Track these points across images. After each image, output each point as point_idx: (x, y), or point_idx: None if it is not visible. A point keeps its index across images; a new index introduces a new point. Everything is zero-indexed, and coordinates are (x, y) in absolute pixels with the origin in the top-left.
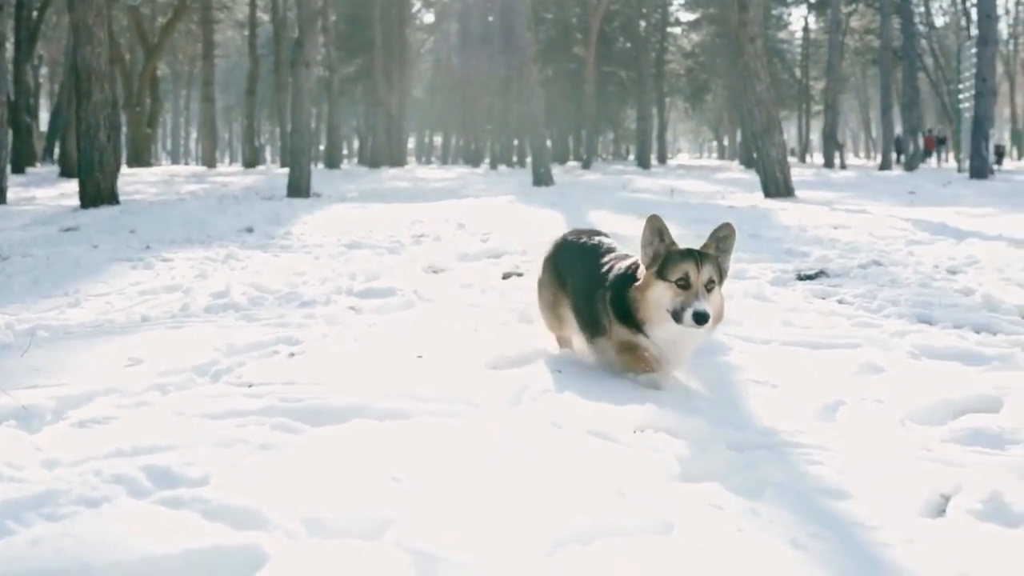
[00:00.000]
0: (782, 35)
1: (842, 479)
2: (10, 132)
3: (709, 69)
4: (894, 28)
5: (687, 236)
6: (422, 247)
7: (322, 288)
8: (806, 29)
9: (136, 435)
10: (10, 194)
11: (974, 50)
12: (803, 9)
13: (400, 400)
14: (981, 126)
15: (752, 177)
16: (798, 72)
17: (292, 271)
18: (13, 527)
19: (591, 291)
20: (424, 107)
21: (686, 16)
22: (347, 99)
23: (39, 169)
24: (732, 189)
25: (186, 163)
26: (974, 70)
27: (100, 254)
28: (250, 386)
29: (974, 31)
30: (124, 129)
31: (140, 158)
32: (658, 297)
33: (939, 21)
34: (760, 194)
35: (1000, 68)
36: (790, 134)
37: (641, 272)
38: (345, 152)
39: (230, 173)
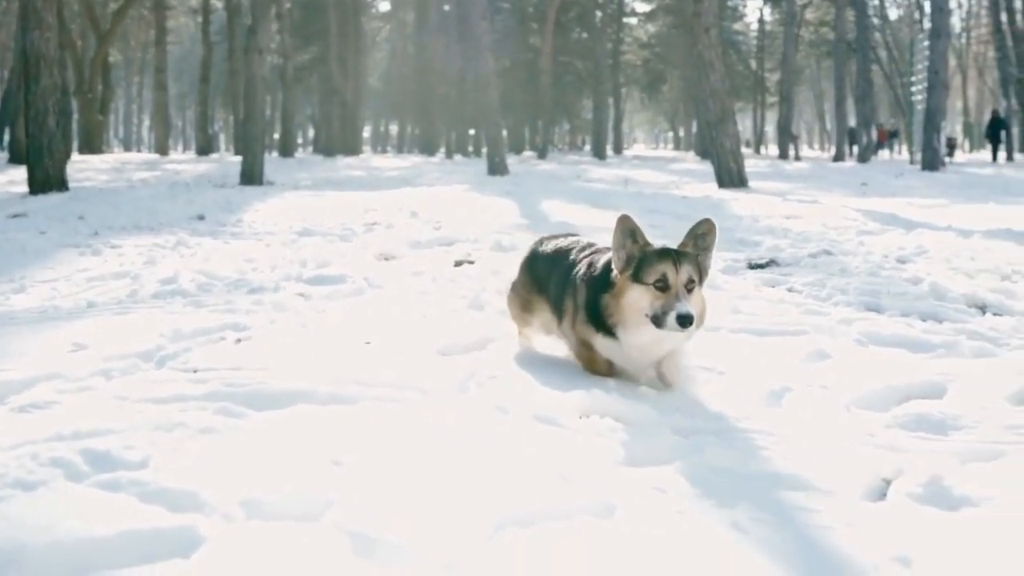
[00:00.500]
0: (737, 26)
1: (786, 464)
2: None
3: (665, 60)
4: (848, 20)
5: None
6: (374, 235)
7: (272, 275)
8: (761, 21)
9: (77, 420)
10: None
11: (927, 43)
12: (758, 1)
13: (346, 385)
14: (933, 118)
15: (707, 168)
16: (753, 64)
17: (242, 258)
18: None
19: (564, 287)
20: (380, 96)
21: (642, 7)
22: (302, 87)
23: None
24: (686, 179)
25: (139, 150)
26: (927, 63)
27: (47, 240)
28: (195, 371)
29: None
30: (75, 116)
31: (91, 145)
32: (635, 302)
33: (893, 14)
34: (714, 184)
35: (952, 61)
36: (745, 125)
37: (615, 277)
38: (300, 141)
39: (183, 161)
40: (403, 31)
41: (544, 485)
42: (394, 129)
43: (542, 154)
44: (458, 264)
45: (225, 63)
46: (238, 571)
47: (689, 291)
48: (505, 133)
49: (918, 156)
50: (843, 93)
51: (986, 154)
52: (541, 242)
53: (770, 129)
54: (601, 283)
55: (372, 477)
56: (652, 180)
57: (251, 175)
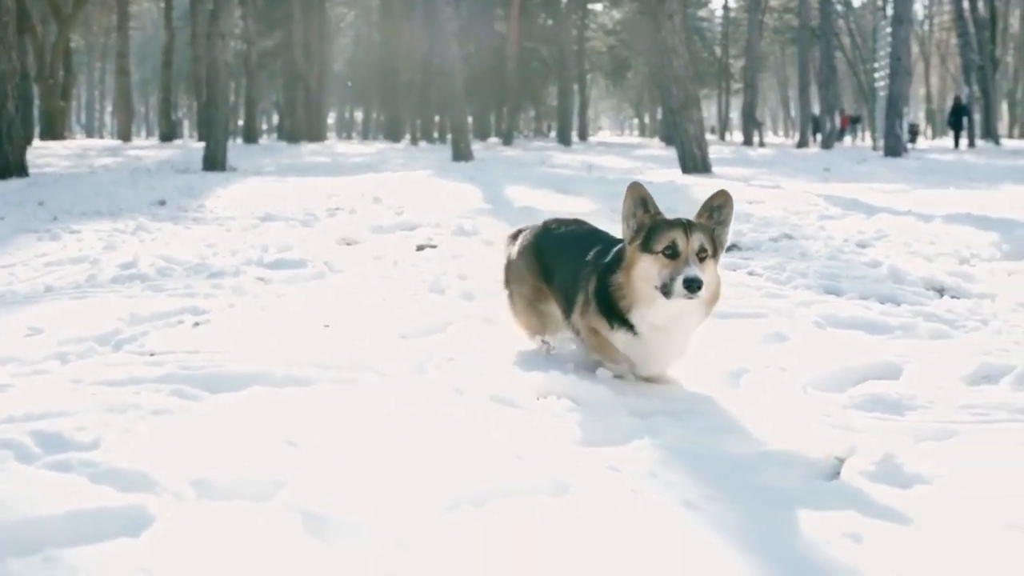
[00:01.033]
0: (702, 13)
1: (741, 444)
2: None
3: (630, 47)
4: (812, 7)
5: (601, 211)
6: (336, 220)
7: (232, 259)
8: (726, 8)
9: (29, 402)
10: None
11: (889, 29)
12: None
13: (303, 368)
14: (895, 105)
15: (672, 154)
16: (718, 50)
17: (203, 243)
18: None
19: (577, 277)
20: (345, 82)
21: None
22: (266, 73)
23: None
24: (651, 165)
25: (101, 137)
26: (889, 49)
27: (6, 226)
28: (152, 355)
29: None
30: (36, 102)
31: (53, 131)
32: (644, 272)
33: (856, 1)
34: (678, 170)
35: (915, 48)
36: (710, 112)
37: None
38: (264, 127)
39: (146, 147)
40: (368, 17)
41: (499, 464)
42: (359, 116)
43: (507, 140)
44: (420, 248)
45: (188, 48)
46: (187, 549)
47: (701, 260)
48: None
49: (881, 142)
50: (807, 80)
51: (948, 140)
52: (547, 226)
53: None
54: (608, 274)
55: (326, 457)
56: (616, 166)
57: (214, 161)
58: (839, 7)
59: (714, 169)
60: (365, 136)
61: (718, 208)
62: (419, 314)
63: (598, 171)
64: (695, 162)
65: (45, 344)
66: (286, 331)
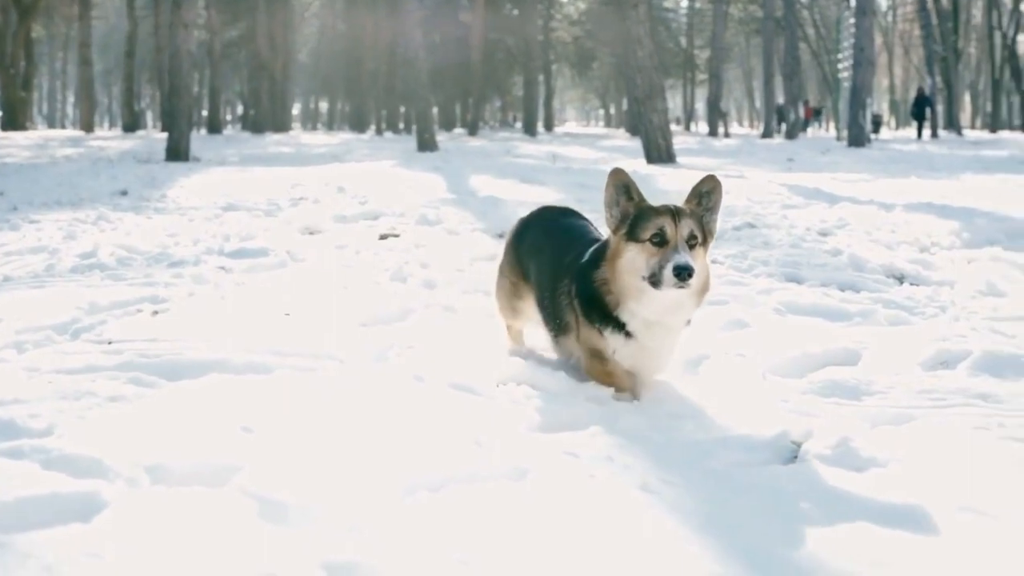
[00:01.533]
0: (667, 3)
1: (699, 429)
2: None
3: (595, 37)
4: None
5: (566, 201)
6: (299, 210)
7: (193, 249)
8: None
9: None
10: None
11: (853, 20)
12: None
13: (262, 355)
14: (858, 95)
15: (636, 145)
16: (683, 41)
17: (164, 232)
18: None
19: (555, 281)
20: (310, 73)
21: None
22: (230, 63)
23: None
24: (616, 156)
25: (64, 127)
26: (853, 40)
27: None
28: (110, 343)
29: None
30: None
31: (14, 122)
32: (630, 263)
33: None
34: (643, 160)
35: (879, 39)
36: (675, 103)
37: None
38: (229, 118)
39: (108, 137)
40: (332, 7)
41: (457, 450)
42: (324, 106)
43: (473, 131)
44: (383, 237)
45: (151, 38)
46: (139, 534)
47: (691, 247)
48: (436, 110)
49: (845, 133)
50: (771, 70)
51: (911, 131)
52: (530, 218)
53: (700, 106)
54: (591, 271)
55: (283, 443)
56: (581, 156)
57: (177, 151)
58: None
59: (679, 159)
60: (330, 126)
61: (707, 194)
62: (380, 302)
63: (563, 161)
64: (659, 152)
65: (2, 334)
66: (246, 319)
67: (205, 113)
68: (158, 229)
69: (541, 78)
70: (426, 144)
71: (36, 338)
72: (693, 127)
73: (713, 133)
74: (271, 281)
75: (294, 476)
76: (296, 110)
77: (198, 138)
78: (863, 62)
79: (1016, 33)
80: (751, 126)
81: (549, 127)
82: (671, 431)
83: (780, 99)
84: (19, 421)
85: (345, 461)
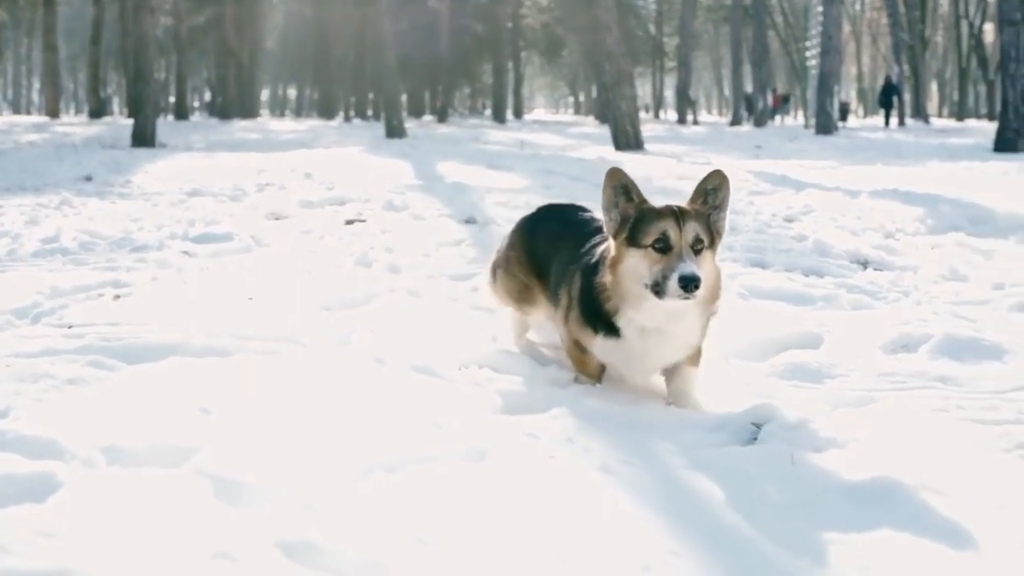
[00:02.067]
0: None
1: (660, 411)
2: None
3: (564, 24)
4: None
5: (533, 187)
6: (265, 195)
7: (157, 234)
8: None
9: None
10: None
11: (821, 8)
12: None
13: (222, 338)
14: (826, 83)
15: (605, 132)
16: (652, 28)
17: (128, 217)
18: None
19: (564, 271)
20: (278, 59)
21: None
22: (197, 50)
23: None
24: (584, 142)
25: (28, 113)
26: (821, 28)
27: None
28: (70, 327)
29: None
30: None
31: None
32: (631, 270)
33: None
34: (611, 147)
35: (847, 27)
36: (644, 90)
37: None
38: (196, 104)
39: (74, 123)
40: None
41: (416, 432)
42: (292, 93)
43: (442, 118)
44: (349, 223)
45: (117, 24)
46: (93, 514)
47: (697, 253)
48: (404, 97)
49: (812, 120)
50: (740, 58)
51: (879, 119)
52: (541, 212)
53: (669, 94)
54: (592, 274)
55: (241, 425)
56: (549, 143)
57: (143, 137)
58: None
59: (647, 146)
60: (298, 113)
61: (713, 191)
62: (344, 287)
63: (531, 148)
64: (628, 139)
65: None
66: (208, 303)
67: (172, 100)
68: (122, 214)
69: (510, 65)
70: (394, 131)
71: None
72: (662, 115)
73: (682, 121)
74: (235, 266)
75: (252, 457)
76: (264, 97)
77: (165, 124)
78: (831, 50)
79: (982, 22)
80: (720, 114)
81: (519, 114)
82: (633, 413)
83: (749, 87)
84: None
85: (303, 442)
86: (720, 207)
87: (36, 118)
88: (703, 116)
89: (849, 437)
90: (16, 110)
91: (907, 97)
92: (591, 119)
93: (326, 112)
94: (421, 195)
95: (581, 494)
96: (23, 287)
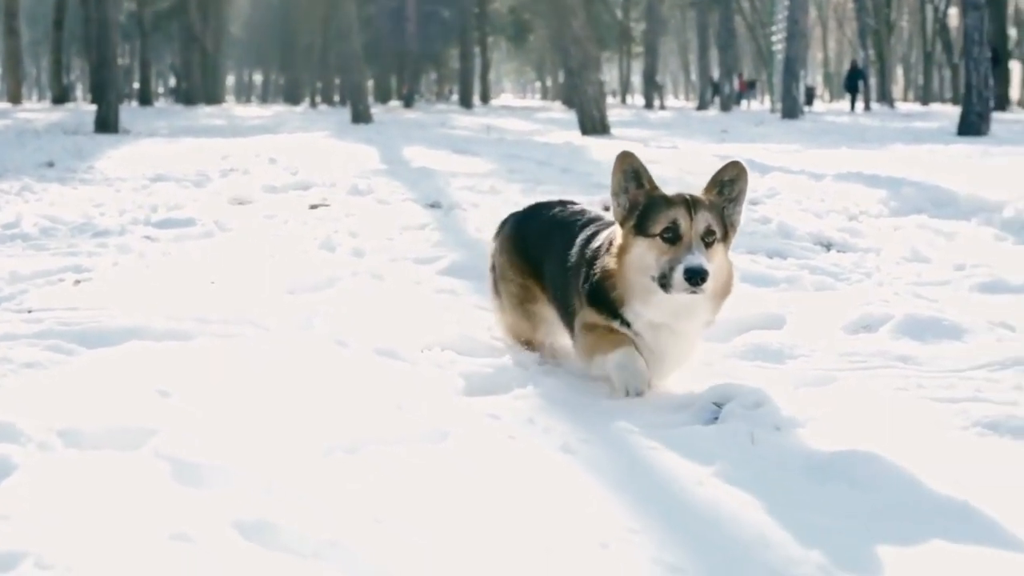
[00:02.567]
0: None
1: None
2: None
3: (531, 9)
4: None
5: (498, 171)
6: (229, 180)
7: (119, 219)
8: None
9: None
10: None
11: None
12: None
13: (183, 322)
14: (792, 68)
15: (572, 117)
16: (619, 13)
17: (90, 203)
18: None
19: (567, 271)
20: (243, 45)
21: None
22: (162, 35)
23: None
24: (551, 127)
25: None
26: (787, 13)
27: None
28: (29, 311)
29: None
30: None
31: None
32: (638, 260)
33: None
34: (577, 132)
35: (813, 12)
36: (611, 76)
37: (616, 234)
38: (161, 90)
39: (36, 109)
40: None
41: (377, 414)
42: (258, 79)
43: (408, 103)
44: (313, 207)
45: (80, 9)
46: (49, 496)
47: (708, 245)
48: (371, 83)
49: (779, 105)
50: (706, 43)
51: (845, 104)
52: (529, 212)
53: (636, 79)
54: (601, 257)
55: (201, 407)
56: (516, 128)
57: (106, 123)
58: None
59: (613, 131)
60: (264, 99)
61: (729, 183)
62: (307, 271)
63: (497, 132)
64: (594, 124)
65: None
66: (170, 288)
67: (136, 86)
68: (84, 200)
69: (477, 50)
70: (360, 116)
71: None
72: (629, 100)
73: (649, 106)
74: (197, 251)
75: (211, 439)
76: (229, 83)
77: (129, 110)
78: (796, 34)
79: (947, 7)
80: (687, 99)
81: (486, 100)
82: (594, 394)
83: (716, 72)
84: None
85: (264, 425)
86: (736, 200)
87: None
88: (670, 101)
89: (809, 416)
90: None
91: (872, 81)
92: (558, 104)
93: (292, 98)
94: (386, 180)
95: (541, 474)
96: None
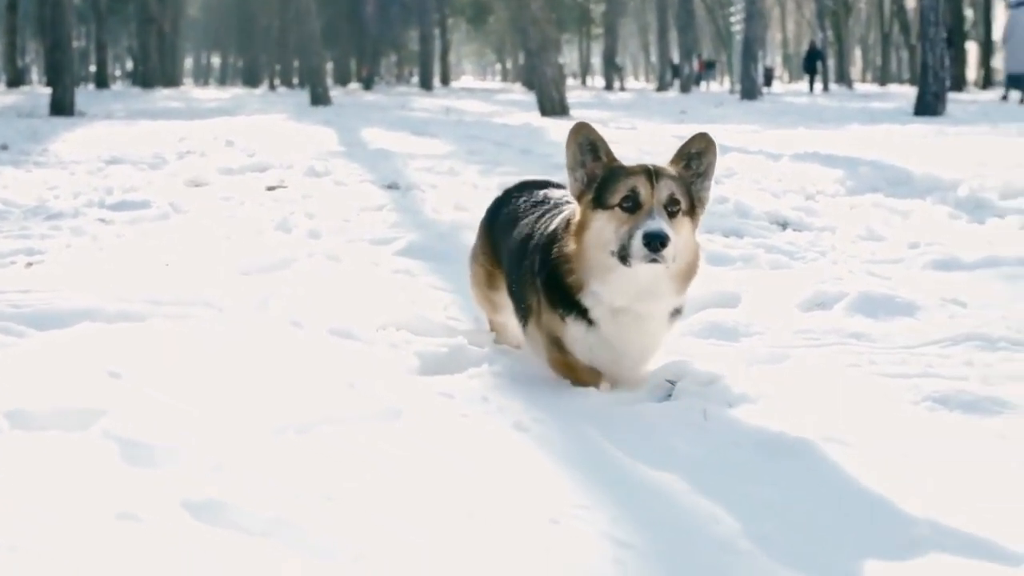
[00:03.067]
0: None
1: None
2: None
3: None
4: None
5: (457, 152)
6: (185, 162)
7: (73, 202)
8: None
9: None
10: None
11: None
12: None
13: (136, 304)
14: (750, 48)
15: (532, 99)
16: None
17: (44, 186)
18: None
19: (521, 261)
20: (200, 27)
21: None
22: (118, 17)
23: None
24: (510, 109)
25: None
26: None
27: None
28: None
29: None
30: None
31: None
32: (597, 234)
33: None
34: (536, 113)
35: None
36: (571, 57)
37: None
38: (118, 73)
39: None
40: None
41: (330, 393)
42: (217, 61)
43: (368, 85)
44: (270, 189)
45: None
46: None
47: (671, 215)
48: (330, 65)
49: (738, 86)
50: (666, 24)
51: (804, 85)
52: (504, 195)
53: (596, 61)
54: (557, 239)
55: (152, 388)
56: (475, 109)
57: (61, 106)
58: None
59: (572, 112)
60: (222, 82)
61: (697, 156)
62: (263, 252)
63: (456, 114)
64: (553, 105)
65: None
66: (123, 270)
67: (93, 68)
68: (38, 182)
69: (437, 32)
70: (319, 98)
71: None
72: (589, 81)
73: (609, 87)
74: (152, 233)
75: (161, 419)
76: (188, 65)
77: (85, 93)
78: (755, 15)
79: None
80: (647, 80)
81: (446, 82)
82: (547, 374)
83: (675, 53)
84: None
85: (215, 405)
86: (704, 174)
87: None
88: (630, 83)
89: (761, 393)
90: None
91: (831, 62)
92: (518, 86)
93: (251, 80)
94: (344, 161)
95: (493, 451)
96: None
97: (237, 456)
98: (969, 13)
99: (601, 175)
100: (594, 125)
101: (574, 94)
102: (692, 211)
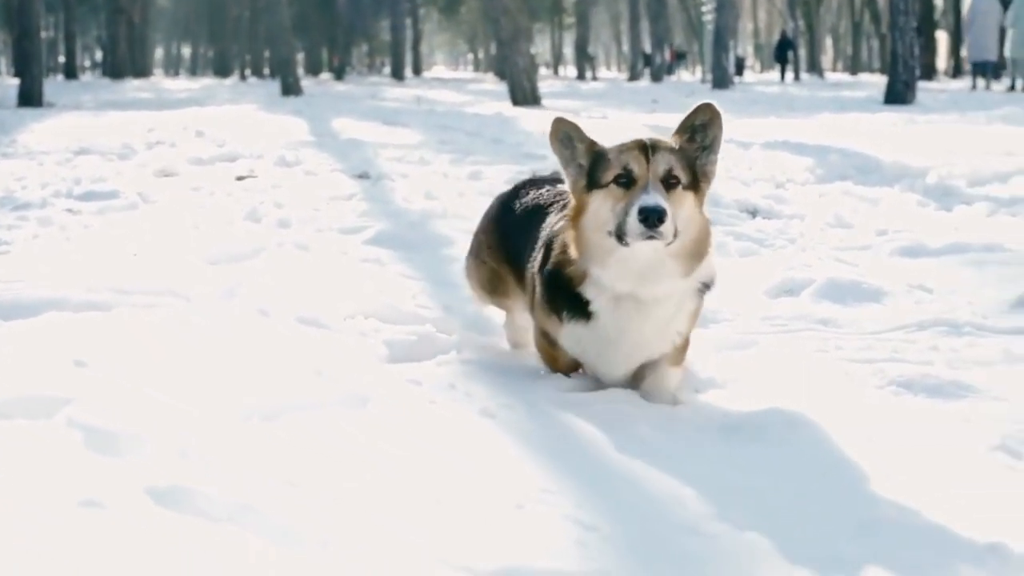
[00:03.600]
0: None
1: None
2: None
3: None
4: None
5: (428, 142)
6: (155, 153)
7: (41, 192)
8: None
9: None
10: None
11: None
12: None
13: (103, 293)
14: (721, 38)
15: (504, 88)
16: None
17: (11, 176)
18: None
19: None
20: (170, 17)
21: None
22: (87, 7)
23: None
24: (482, 99)
25: None
26: None
27: None
28: None
29: None
30: None
31: None
32: (594, 215)
33: None
34: (508, 103)
35: None
36: (544, 47)
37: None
38: (88, 64)
39: None
40: None
41: (296, 381)
42: (187, 51)
43: (339, 75)
44: (240, 179)
45: None
46: None
47: (669, 189)
48: (301, 55)
49: (709, 76)
50: (637, 14)
51: (775, 74)
52: (518, 190)
53: (568, 51)
54: (552, 242)
55: (117, 376)
56: (447, 99)
57: (29, 96)
58: None
59: (544, 102)
60: (193, 72)
61: (702, 127)
62: (232, 241)
63: (428, 104)
64: (524, 94)
65: None
66: (91, 259)
67: (62, 59)
68: (5, 173)
69: (409, 22)
70: (290, 88)
71: None
72: (561, 71)
73: (581, 77)
74: (121, 223)
75: (127, 407)
76: (158, 55)
77: (54, 84)
78: (726, 5)
79: None
80: (619, 70)
81: (418, 72)
82: (516, 360)
83: (647, 43)
84: None
85: (181, 393)
86: (711, 148)
87: None
88: (602, 72)
89: (729, 378)
90: None
91: (802, 52)
92: (491, 76)
93: (221, 71)
94: (314, 151)
95: (459, 438)
96: None
97: (202, 443)
98: (939, 2)
99: (592, 157)
100: (565, 115)
101: (546, 83)
102: (696, 186)
